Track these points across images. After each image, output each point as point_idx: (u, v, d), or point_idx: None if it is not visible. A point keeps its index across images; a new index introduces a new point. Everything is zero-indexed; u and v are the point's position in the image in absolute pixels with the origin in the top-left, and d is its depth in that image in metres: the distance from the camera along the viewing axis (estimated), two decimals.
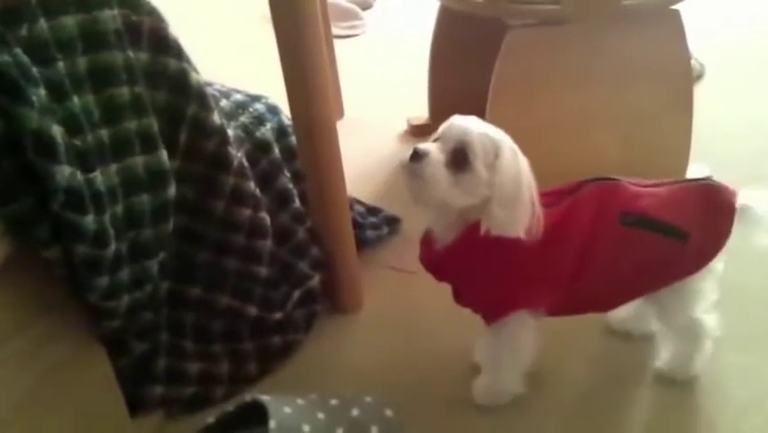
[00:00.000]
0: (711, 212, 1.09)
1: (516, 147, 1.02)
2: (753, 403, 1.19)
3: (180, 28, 1.15)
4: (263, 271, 1.32)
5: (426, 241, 1.13)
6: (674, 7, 1.57)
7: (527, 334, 1.13)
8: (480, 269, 1.08)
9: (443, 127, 1.04)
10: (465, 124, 1.02)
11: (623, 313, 1.32)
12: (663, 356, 1.25)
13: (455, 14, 1.80)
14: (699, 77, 2.43)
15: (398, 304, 1.50)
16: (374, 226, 1.69)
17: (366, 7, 3.50)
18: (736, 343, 1.28)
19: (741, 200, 1.09)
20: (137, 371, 1.21)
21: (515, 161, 1.00)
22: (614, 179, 1.11)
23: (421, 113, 2.23)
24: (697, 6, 1.68)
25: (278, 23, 1.22)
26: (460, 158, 0.99)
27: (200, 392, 1.26)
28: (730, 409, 1.19)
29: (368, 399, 1.14)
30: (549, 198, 1.07)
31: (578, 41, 1.58)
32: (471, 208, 1.02)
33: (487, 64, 1.59)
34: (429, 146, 1.00)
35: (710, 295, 1.16)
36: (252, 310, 1.32)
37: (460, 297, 1.16)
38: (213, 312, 1.30)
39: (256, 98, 1.46)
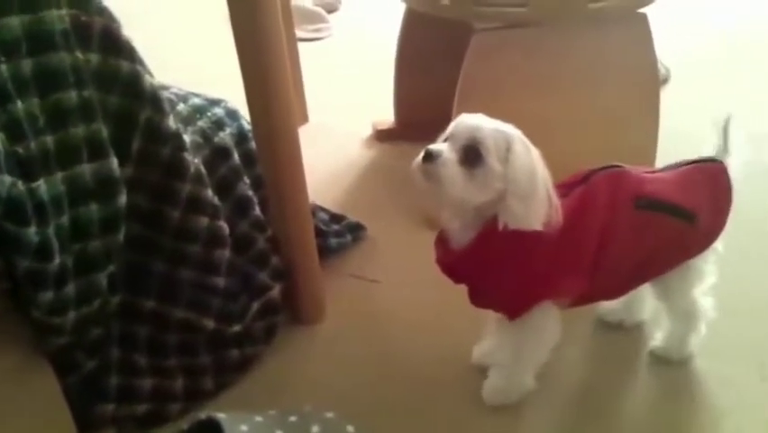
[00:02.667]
0: (713, 192, 1.13)
1: (526, 140, 1.02)
2: (727, 411, 1.20)
3: (137, 29, 1.11)
4: (221, 281, 1.28)
5: (442, 242, 1.12)
6: (641, 11, 1.57)
7: (553, 324, 1.14)
8: (502, 263, 1.07)
9: (451, 126, 1.05)
10: (474, 120, 1.02)
11: (613, 304, 1.35)
12: (658, 337, 1.30)
13: (421, 17, 1.79)
14: (665, 81, 2.44)
15: (362, 314, 1.47)
16: (337, 234, 1.66)
17: (332, 10, 3.48)
18: (713, 351, 1.29)
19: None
20: (87, 388, 1.16)
21: (527, 154, 1.01)
22: (620, 167, 1.12)
23: (386, 117, 2.21)
24: (662, 11, 1.69)
25: (237, 24, 1.18)
26: (472, 154, 0.99)
27: (154, 409, 1.21)
28: (706, 417, 1.20)
29: (329, 414, 1.12)
30: (560, 189, 1.07)
31: (545, 45, 1.58)
32: (488, 204, 1.02)
33: (453, 68, 1.58)
34: (440, 146, 1.01)
35: (710, 277, 1.20)
36: (209, 323, 1.27)
37: (478, 297, 1.15)
38: (167, 325, 1.25)
39: (215, 102, 1.41)
